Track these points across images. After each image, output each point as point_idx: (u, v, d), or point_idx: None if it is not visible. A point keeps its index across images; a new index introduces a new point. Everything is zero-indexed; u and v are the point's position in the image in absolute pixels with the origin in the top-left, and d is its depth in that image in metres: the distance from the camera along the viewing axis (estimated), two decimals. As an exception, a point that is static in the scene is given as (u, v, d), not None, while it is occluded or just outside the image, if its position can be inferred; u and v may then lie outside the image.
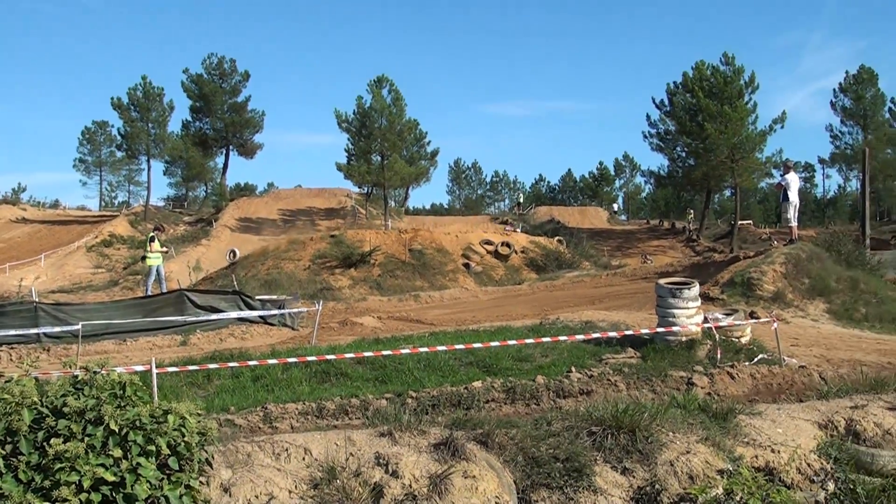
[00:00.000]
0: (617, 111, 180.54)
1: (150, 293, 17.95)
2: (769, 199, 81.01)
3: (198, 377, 8.64)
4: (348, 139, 53.36)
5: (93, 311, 14.31)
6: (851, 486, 5.52)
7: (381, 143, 50.70)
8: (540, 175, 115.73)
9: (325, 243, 31.97)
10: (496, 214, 75.34)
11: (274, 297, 18.11)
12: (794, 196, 17.37)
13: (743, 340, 9.60)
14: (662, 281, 10.03)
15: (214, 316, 14.45)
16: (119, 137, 63.60)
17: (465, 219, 63.16)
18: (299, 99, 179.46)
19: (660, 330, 9.37)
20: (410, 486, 4.75)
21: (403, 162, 52.68)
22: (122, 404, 3.83)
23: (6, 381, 3.80)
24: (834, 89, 65.89)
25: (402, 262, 30.23)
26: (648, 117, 53.18)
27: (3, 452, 3.52)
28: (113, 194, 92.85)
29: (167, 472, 3.74)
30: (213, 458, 4.20)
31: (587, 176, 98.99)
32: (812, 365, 8.87)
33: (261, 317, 15.26)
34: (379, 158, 51.64)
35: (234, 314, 14.72)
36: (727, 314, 10.07)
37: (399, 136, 51.68)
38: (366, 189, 61.45)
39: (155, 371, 6.59)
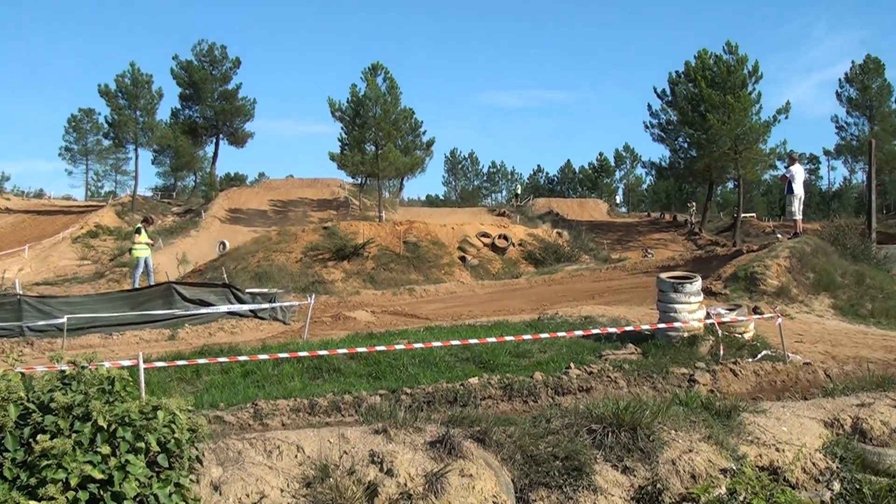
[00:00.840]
0: (617, 101, 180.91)
1: (137, 286, 17.90)
2: (773, 192, 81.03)
3: (186, 372, 8.63)
4: (342, 128, 53.22)
5: (78, 304, 14.28)
6: (858, 486, 5.54)
7: (376, 133, 50.58)
8: (538, 166, 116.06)
9: (317, 235, 31.98)
10: (493, 206, 75.32)
11: (265, 290, 18.11)
12: (798, 188, 17.38)
13: (746, 336, 9.61)
14: (664, 275, 10.02)
15: (203, 310, 14.43)
16: (106, 125, 63.50)
17: (462, 210, 63.08)
18: (291, 87, 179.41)
19: (661, 326, 9.37)
20: (406, 484, 4.75)
21: (398, 152, 52.58)
22: (111, 400, 3.82)
23: (-9, 376, 3.78)
24: (839, 79, 65.91)
25: (397, 254, 30.25)
26: (650, 107, 53.30)
27: (-12, 449, 3.51)
28: (99, 184, 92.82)
29: (156, 469, 3.73)
30: (203, 455, 4.19)
31: (586, 167, 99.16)
32: (817, 362, 8.89)
33: (251, 311, 15.25)
34: (373, 148, 51.51)
35: (223, 308, 14.70)
36: (730, 309, 10.08)
37: (394, 126, 51.57)
38: (359, 180, 61.26)
39: (142, 366, 6.56)
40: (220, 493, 4.50)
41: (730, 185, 66.59)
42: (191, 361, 8.30)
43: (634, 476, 5.26)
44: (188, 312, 14.43)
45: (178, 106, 67.95)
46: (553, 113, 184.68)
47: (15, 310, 13.44)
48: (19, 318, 13.22)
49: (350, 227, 33.19)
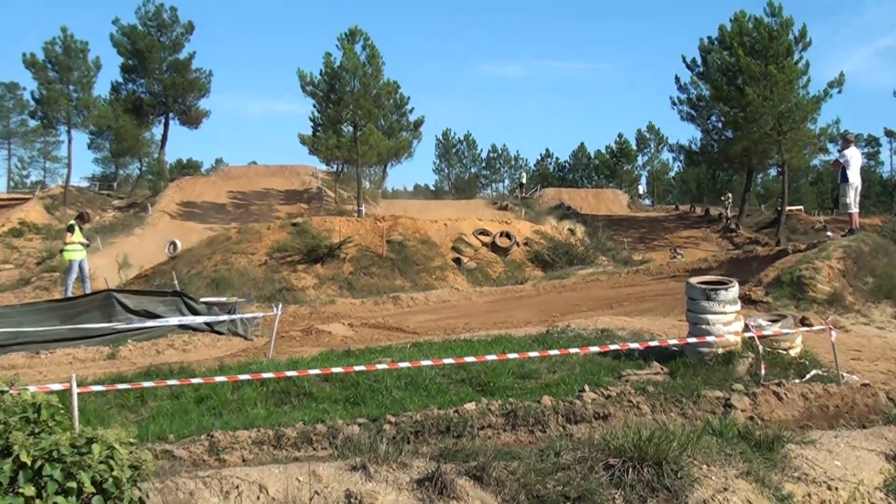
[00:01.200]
0: (640, 72, 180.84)
1: (70, 294, 17.86)
2: (824, 180, 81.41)
3: (129, 398, 8.61)
4: (314, 106, 53.15)
5: (-1, 317, 14.24)
6: (923, 530, 5.56)
7: (354, 111, 50.49)
8: (546, 150, 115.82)
9: (285, 233, 31.99)
10: (494, 198, 75.44)
11: (223, 299, 18.09)
12: (854, 176, 17.39)
13: (792, 353, 9.63)
14: (694, 280, 10.04)
15: (150, 322, 14.39)
16: (32, 102, 63.18)
17: (456, 203, 63.14)
18: (255, 57, 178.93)
19: (691, 340, 9.38)
20: (389, 530, 4.75)
21: (380, 133, 52.50)
22: (36, 431, 3.80)
23: None
24: (903, 47, 66.28)
25: (379, 256, 30.29)
26: (678, 80, 53.35)
27: None
28: (25, 172, 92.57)
29: (91, 514, 3.72)
30: (147, 496, 4.17)
31: (603, 151, 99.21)
32: (878, 383, 8.91)
33: (206, 324, 15.23)
34: (351, 129, 51.46)
35: (174, 320, 14.65)
36: (773, 321, 10.10)
37: (375, 102, 51.50)
38: (335, 167, 61.29)
39: (76, 390, 6.54)
40: (168, 543, 4.49)
41: (772, 172, 66.89)
42: (134, 385, 8.27)
43: (660, 519, 5.27)
44: (131, 326, 14.39)
45: (120, 79, 67.76)
46: (564, 87, 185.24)
47: (-77, 324, 13.40)
48: (-72, 333, 13.17)
49: (324, 224, 33.18)
